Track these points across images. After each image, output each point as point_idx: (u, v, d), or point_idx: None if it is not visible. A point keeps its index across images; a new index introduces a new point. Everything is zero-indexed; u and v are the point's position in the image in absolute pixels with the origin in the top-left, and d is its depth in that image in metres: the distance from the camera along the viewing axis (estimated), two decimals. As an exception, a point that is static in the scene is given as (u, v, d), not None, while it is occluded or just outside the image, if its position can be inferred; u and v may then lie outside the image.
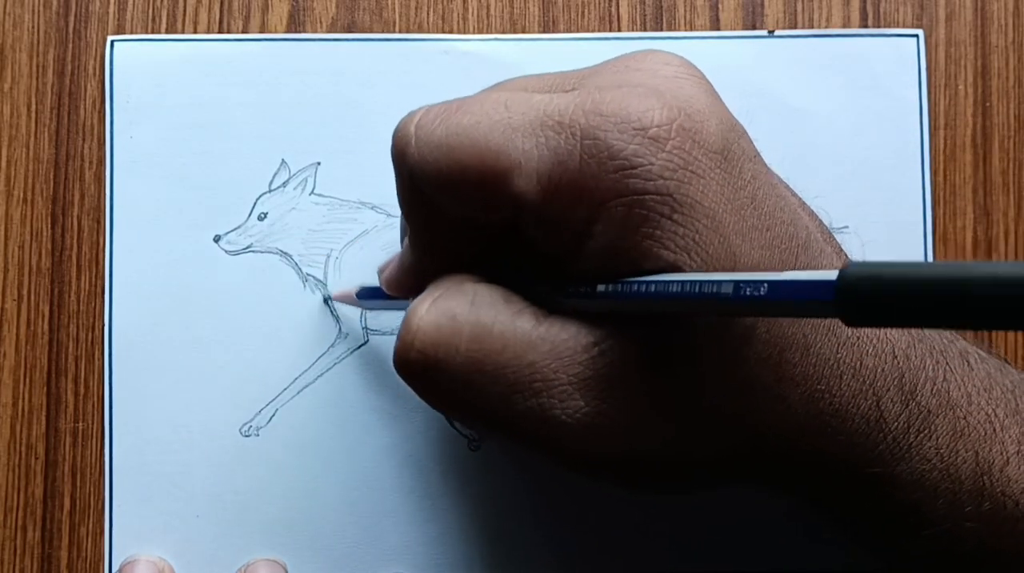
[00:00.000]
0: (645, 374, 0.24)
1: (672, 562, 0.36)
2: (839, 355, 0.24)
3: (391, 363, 0.37)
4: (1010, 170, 0.39)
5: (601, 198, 0.23)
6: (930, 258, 0.38)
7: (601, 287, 0.24)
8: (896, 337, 0.25)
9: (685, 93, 0.24)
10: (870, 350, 0.25)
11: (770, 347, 0.23)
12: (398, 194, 0.28)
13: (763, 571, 0.37)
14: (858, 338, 0.25)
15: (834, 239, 0.28)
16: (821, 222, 0.28)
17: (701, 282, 0.21)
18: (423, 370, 0.24)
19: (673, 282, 0.22)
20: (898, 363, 0.25)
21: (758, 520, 0.37)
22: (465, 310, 0.24)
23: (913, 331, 0.26)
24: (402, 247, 0.30)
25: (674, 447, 0.24)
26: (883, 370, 0.25)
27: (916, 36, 0.38)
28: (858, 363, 0.24)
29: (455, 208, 0.25)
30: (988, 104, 0.39)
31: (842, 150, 0.38)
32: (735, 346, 0.23)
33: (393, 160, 0.27)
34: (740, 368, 0.23)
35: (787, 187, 0.27)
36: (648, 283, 0.23)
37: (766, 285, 0.20)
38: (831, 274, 0.18)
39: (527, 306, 0.25)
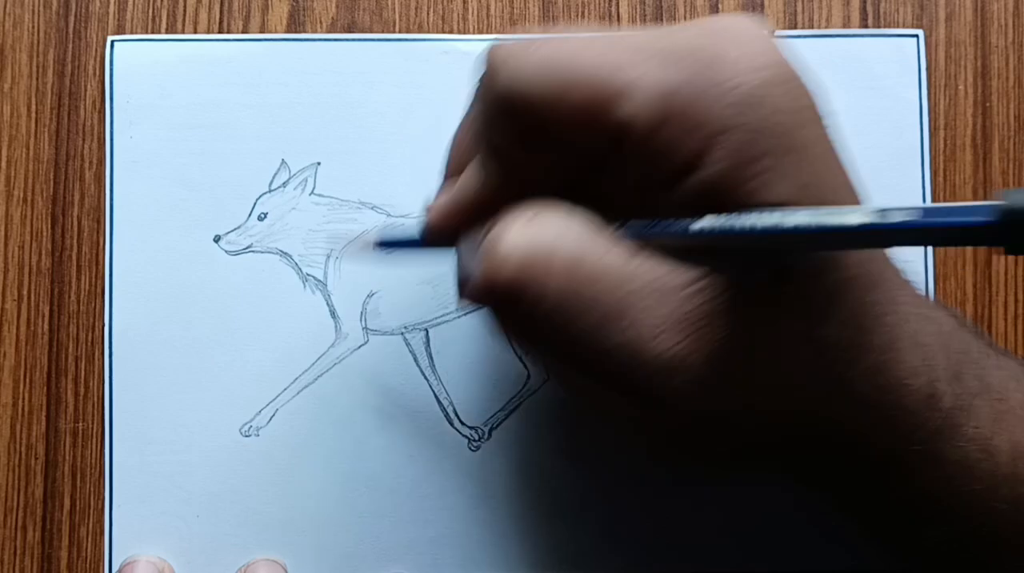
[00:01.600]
0: (741, 314, 0.23)
1: (674, 561, 0.36)
2: (903, 328, 0.24)
3: (390, 363, 0.37)
4: (1010, 170, 0.39)
5: (719, 127, 0.22)
6: (930, 258, 0.38)
7: (706, 223, 0.23)
8: (944, 318, 0.26)
9: (785, 54, 0.24)
10: (926, 328, 0.25)
11: (855, 307, 0.23)
12: (473, 117, 0.26)
13: (768, 571, 0.37)
14: (916, 314, 0.25)
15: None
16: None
17: (831, 214, 0.21)
18: (514, 296, 0.23)
19: (800, 214, 0.21)
20: (946, 343, 0.25)
21: (762, 520, 0.37)
22: (559, 235, 0.23)
23: (956, 317, 0.26)
24: (447, 184, 0.28)
25: (754, 397, 0.24)
26: (936, 348, 0.25)
27: (916, 36, 0.38)
28: (917, 338, 0.24)
29: (552, 131, 0.24)
30: (988, 104, 0.39)
31: (842, 150, 0.38)
32: (831, 299, 0.23)
33: (481, 78, 0.25)
34: (829, 323, 0.23)
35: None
36: (768, 216, 0.22)
37: (920, 210, 0.20)
38: (990, 203, 0.19)
39: (619, 238, 0.24)
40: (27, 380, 0.37)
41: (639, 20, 0.39)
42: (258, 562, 0.36)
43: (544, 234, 0.23)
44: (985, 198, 0.38)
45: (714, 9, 0.39)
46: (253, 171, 0.38)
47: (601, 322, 0.23)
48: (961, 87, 0.39)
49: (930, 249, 0.38)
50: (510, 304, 0.23)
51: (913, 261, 0.38)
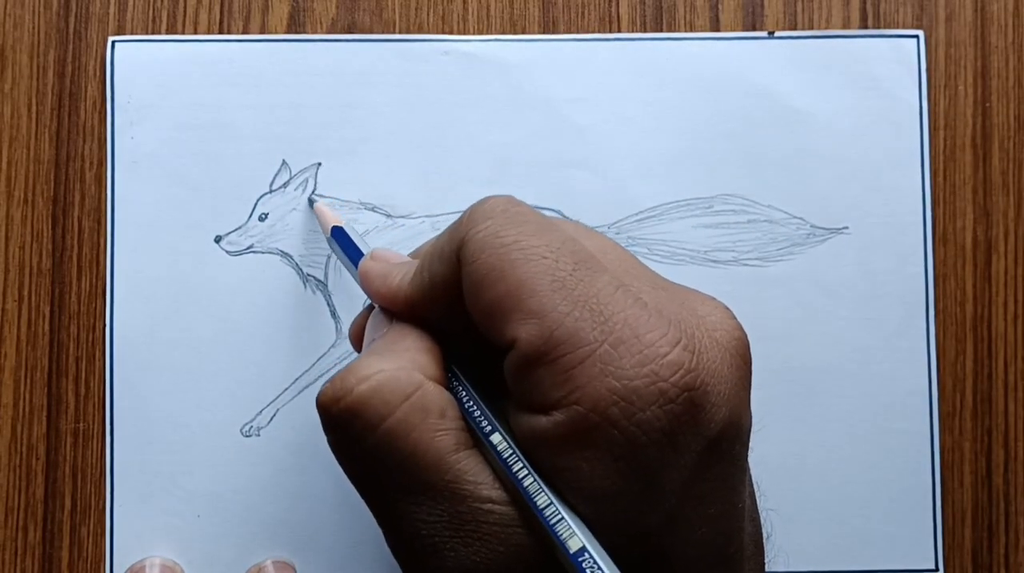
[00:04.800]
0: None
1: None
2: None
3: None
4: (1010, 170, 0.39)
5: (568, 400, 0.23)
6: (930, 258, 0.38)
7: (517, 466, 0.24)
8: None
9: (715, 366, 0.23)
10: None
11: None
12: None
13: (769, 571, 0.37)
14: None
15: (762, 556, 0.27)
16: (760, 535, 0.27)
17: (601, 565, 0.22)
18: (338, 425, 0.25)
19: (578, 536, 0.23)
20: None
21: (770, 519, 0.37)
22: (400, 398, 0.24)
23: None
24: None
25: None
26: None
27: (916, 37, 0.39)
28: None
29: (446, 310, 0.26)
30: (988, 104, 0.39)
31: (842, 150, 0.38)
32: None
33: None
34: None
35: (751, 484, 0.27)
36: (549, 515, 0.23)
37: None
38: None
39: (457, 428, 0.25)
40: (28, 380, 0.37)
41: (639, 21, 0.39)
42: (268, 563, 0.36)
43: (388, 388, 0.24)
44: (985, 198, 0.39)
45: (714, 10, 0.39)
46: (254, 171, 0.38)
47: (399, 492, 0.24)
48: (961, 87, 0.39)
49: (930, 249, 0.38)
50: (334, 428, 0.25)
51: (913, 261, 0.38)
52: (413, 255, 0.30)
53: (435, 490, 0.24)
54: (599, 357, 0.22)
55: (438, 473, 0.24)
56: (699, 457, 0.23)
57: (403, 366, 0.25)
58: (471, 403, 0.25)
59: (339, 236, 0.34)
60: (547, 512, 0.23)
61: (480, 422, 0.25)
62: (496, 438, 0.24)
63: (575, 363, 0.22)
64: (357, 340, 0.32)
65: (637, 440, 0.22)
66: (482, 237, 0.24)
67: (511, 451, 0.24)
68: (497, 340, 0.24)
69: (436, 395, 0.25)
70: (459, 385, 0.26)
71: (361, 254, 0.32)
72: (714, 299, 0.26)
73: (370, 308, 0.30)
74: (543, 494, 0.23)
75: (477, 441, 0.25)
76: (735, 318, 0.25)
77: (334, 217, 0.35)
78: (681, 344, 0.23)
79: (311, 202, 0.38)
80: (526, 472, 0.23)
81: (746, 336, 0.25)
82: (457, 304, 0.25)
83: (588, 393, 0.22)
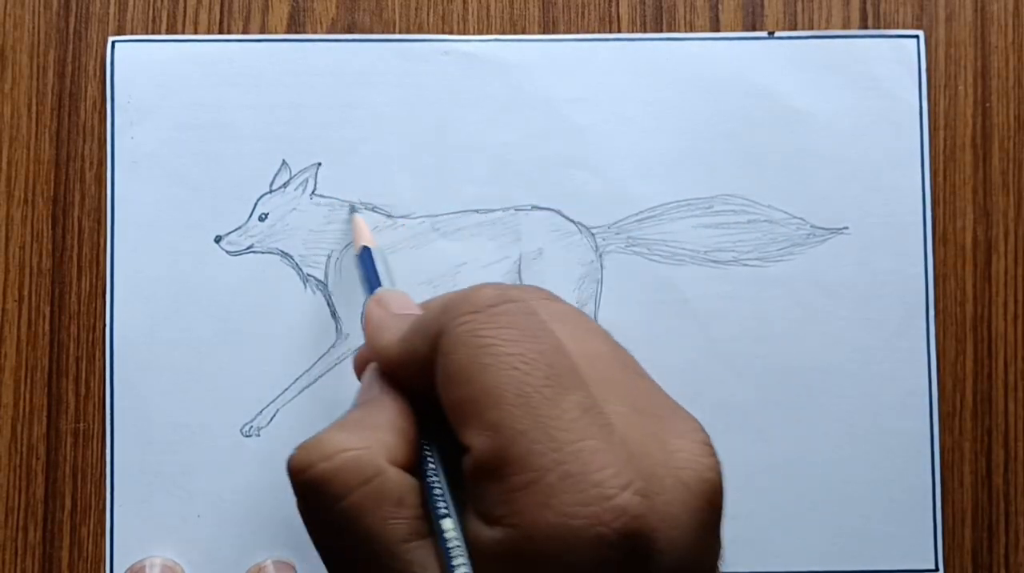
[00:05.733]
0: None
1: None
2: None
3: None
4: (1010, 170, 0.39)
5: (508, 521, 0.22)
6: (930, 258, 0.38)
7: (458, 561, 0.23)
8: None
9: (672, 510, 0.22)
10: None
11: None
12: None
13: (771, 571, 0.37)
14: None
15: None
16: None
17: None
18: (302, 492, 0.25)
19: None
20: None
21: (771, 520, 0.37)
22: (358, 481, 0.24)
23: None
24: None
25: None
26: None
27: (916, 37, 0.39)
28: None
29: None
30: (988, 104, 0.39)
31: (842, 150, 0.38)
32: None
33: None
34: None
35: None
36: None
37: None
38: None
39: (413, 516, 0.24)
40: (28, 381, 0.37)
41: (639, 21, 0.39)
42: (268, 563, 0.36)
43: (352, 469, 0.24)
44: (985, 198, 0.39)
45: (714, 10, 0.39)
46: (254, 171, 0.38)
47: (355, 568, 0.24)
48: (961, 87, 0.39)
49: (930, 249, 0.38)
50: (301, 493, 0.25)
51: (913, 261, 0.38)
52: (423, 304, 0.30)
53: None
54: (545, 486, 0.21)
55: (388, 560, 0.23)
56: None
57: (369, 447, 0.25)
58: (435, 481, 0.25)
59: (364, 258, 0.34)
60: None
61: (437, 504, 0.24)
62: (447, 524, 0.23)
63: (520, 486, 0.22)
64: (359, 374, 0.31)
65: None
66: (460, 332, 0.24)
67: (457, 542, 0.23)
68: (458, 438, 0.23)
69: (396, 482, 0.24)
70: (429, 461, 0.25)
71: (377, 284, 0.32)
72: (697, 428, 0.24)
73: None
74: None
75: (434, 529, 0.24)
76: (713, 454, 0.23)
77: (368, 237, 0.35)
78: (632, 487, 0.21)
79: (352, 209, 0.38)
80: (465, 569, 0.22)
81: (720, 476, 0.23)
82: (435, 381, 0.25)
83: (527, 520, 0.21)
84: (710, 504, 0.23)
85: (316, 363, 0.37)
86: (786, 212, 0.38)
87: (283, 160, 0.38)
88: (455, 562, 0.23)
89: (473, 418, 0.23)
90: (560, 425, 0.22)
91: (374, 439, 0.25)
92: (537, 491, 0.21)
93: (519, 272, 0.38)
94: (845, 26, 0.39)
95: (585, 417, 0.22)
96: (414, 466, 0.25)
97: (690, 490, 0.22)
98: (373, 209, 0.38)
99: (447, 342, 0.24)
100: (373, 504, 0.24)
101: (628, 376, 0.25)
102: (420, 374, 0.26)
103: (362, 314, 0.33)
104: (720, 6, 0.39)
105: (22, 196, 0.38)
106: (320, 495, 0.24)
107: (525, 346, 0.23)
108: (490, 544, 0.22)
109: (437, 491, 0.24)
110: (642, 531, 0.21)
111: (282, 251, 0.38)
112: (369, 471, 0.24)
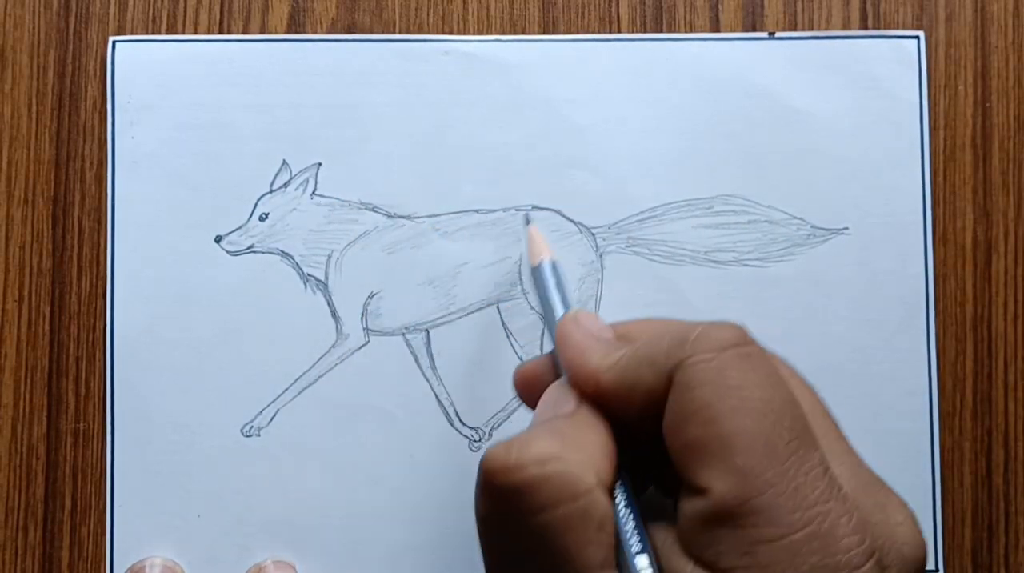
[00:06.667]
0: None
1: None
2: None
3: (391, 364, 0.37)
4: (1010, 170, 0.39)
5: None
6: (930, 258, 0.38)
7: None
8: None
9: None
10: None
11: None
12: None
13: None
14: None
15: None
16: None
17: None
18: (499, 495, 0.24)
19: None
20: None
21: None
22: (569, 496, 0.23)
23: None
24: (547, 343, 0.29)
25: None
26: None
27: (917, 38, 0.39)
28: None
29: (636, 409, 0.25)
30: (988, 104, 0.39)
31: (842, 151, 0.38)
32: None
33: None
34: None
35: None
36: None
37: None
38: None
39: (608, 544, 0.23)
40: (28, 381, 0.37)
41: (639, 21, 0.39)
42: (268, 563, 0.36)
43: (561, 482, 0.23)
44: (985, 198, 0.39)
45: (714, 10, 0.39)
46: (254, 172, 0.38)
47: None
48: (961, 87, 0.39)
49: (930, 249, 0.38)
50: (497, 497, 0.24)
51: (913, 261, 0.38)
52: (618, 331, 0.28)
53: None
54: (790, 544, 0.21)
55: None
56: None
57: (583, 462, 0.24)
58: (628, 514, 0.24)
59: (547, 273, 0.32)
60: None
61: (630, 538, 0.23)
62: (643, 561, 0.23)
63: (763, 540, 0.21)
64: (524, 389, 0.30)
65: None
66: (705, 368, 0.23)
67: None
68: (686, 477, 0.23)
69: (602, 505, 0.23)
70: (622, 494, 0.24)
71: (563, 304, 0.31)
72: (904, 504, 0.24)
73: (547, 358, 0.29)
74: None
75: (621, 560, 0.24)
76: (920, 529, 0.24)
77: (548, 250, 0.33)
78: (875, 559, 0.22)
79: (527, 219, 0.37)
80: None
81: (926, 551, 0.24)
82: (651, 415, 0.24)
83: None
84: None
85: (316, 363, 0.37)
86: (786, 212, 0.38)
87: (283, 160, 0.38)
88: None
89: (715, 460, 0.22)
90: (808, 482, 0.22)
91: (587, 455, 0.24)
92: (782, 547, 0.21)
93: (519, 272, 0.38)
94: (845, 26, 0.39)
95: (825, 478, 0.22)
96: (611, 493, 0.24)
97: (907, 567, 0.23)
98: (373, 209, 0.38)
99: (689, 378, 0.23)
100: (579, 524, 0.23)
101: (838, 433, 0.25)
102: (637, 404, 0.25)
103: (545, 331, 0.31)
104: (720, 6, 0.39)
105: (22, 196, 0.38)
106: (522, 500, 0.23)
107: (771, 394, 0.23)
108: None
109: (631, 524, 0.24)
110: None
111: (282, 251, 0.38)
112: (581, 488, 0.23)
